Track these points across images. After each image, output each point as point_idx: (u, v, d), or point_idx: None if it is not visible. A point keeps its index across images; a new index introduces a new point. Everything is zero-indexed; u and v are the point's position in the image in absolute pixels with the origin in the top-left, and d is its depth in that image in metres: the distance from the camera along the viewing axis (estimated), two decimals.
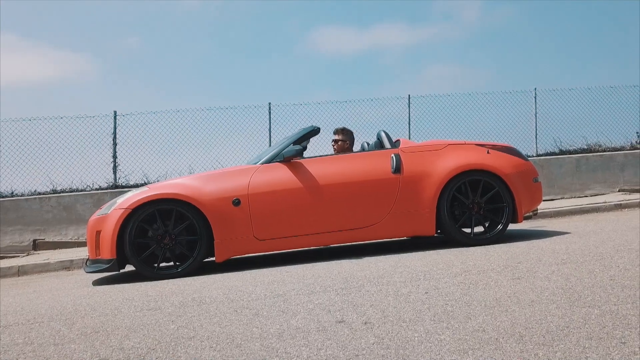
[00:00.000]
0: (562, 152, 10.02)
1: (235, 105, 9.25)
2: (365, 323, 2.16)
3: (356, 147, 5.31)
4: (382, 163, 4.48)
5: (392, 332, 1.99)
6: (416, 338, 1.90)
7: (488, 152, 4.63)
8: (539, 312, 2.11)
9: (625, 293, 2.31)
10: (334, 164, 4.50)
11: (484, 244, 4.42)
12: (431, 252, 4.27)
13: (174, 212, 4.09)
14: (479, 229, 4.60)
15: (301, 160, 4.44)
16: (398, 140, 4.80)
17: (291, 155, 4.38)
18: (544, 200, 9.58)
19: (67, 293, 3.78)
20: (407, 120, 9.83)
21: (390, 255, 4.22)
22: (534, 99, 10.09)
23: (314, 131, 4.59)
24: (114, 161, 8.86)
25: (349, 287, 2.97)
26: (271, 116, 9.32)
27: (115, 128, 8.84)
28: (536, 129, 10.05)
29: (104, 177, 8.90)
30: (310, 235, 4.29)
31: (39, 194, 8.56)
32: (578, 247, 3.83)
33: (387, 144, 4.69)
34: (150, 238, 4.11)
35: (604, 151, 10.04)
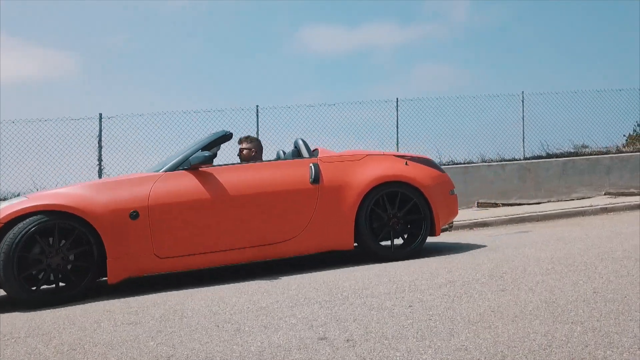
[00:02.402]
0: (549, 156, 10.11)
1: (223, 108, 9.22)
2: (348, 340, 2.13)
3: (272, 155, 5.08)
4: (300, 172, 4.26)
5: (374, 351, 1.96)
6: (398, 357, 1.87)
7: (406, 164, 4.55)
8: (522, 329, 2.09)
9: (608, 308, 2.30)
10: (247, 173, 4.19)
11: (402, 259, 4.31)
12: (417, 260, 4.26)
13: (56, 227, 3.58)
14: (397, 241, 4.52)
15: (210, 169, 4.11)
16: (316, 150, 4.64)
17: (199, 162, 4.03)
18: (531, 204, 9.66)
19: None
20: (395, 122, 9.84)
21: (375, 265, 4.19)
22: (521, 102, 10.16)
23: (226, 136, 4.26)
24: (99, 164, 8.76)
25: (332, 299, 2.94)
26: (259, 119, 9.27)
27: (100, 131, 8.75)
28: (523, 132, 10.14)
29: (89, 180, 8.79)
30: (219, 253, 3.96)
31: None
32: (563, 255, 3.83)
33: (305, 153, 4.49)
34: (34, 258, 3.57)
35: (590, 155, 10.12)
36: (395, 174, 4.40)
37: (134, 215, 3.77)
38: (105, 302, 3.52)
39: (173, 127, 9.16)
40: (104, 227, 3.69)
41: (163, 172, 4.04)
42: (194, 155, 4.07)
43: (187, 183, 3.98)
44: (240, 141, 4.93)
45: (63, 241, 3.67)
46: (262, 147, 4.97)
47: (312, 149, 4.63)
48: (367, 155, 4.52)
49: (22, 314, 3.37)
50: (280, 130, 9.44)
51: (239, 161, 4.84)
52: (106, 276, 3.74)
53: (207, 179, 4.03)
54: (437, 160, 9.95)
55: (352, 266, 4.18)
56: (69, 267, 3.68)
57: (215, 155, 4.30)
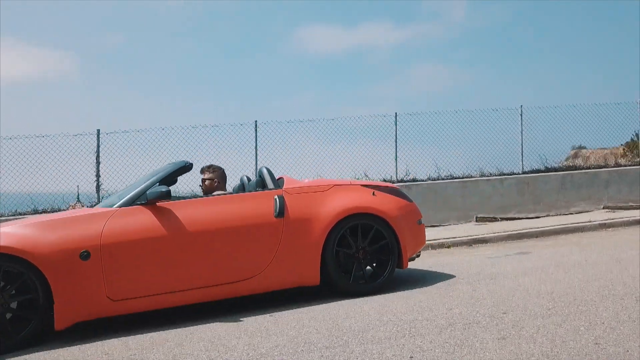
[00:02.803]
0: (547, 169, 10.10)
1: (221, 123, 9.23)
2: None
3: (236, 180, 4.90)
4: (264, 205, 4.09)
5: None
6: None
7: (374, 194, 4.44)
8: None
9: None
10: (208, 208, 4.01)
11: (370, 294, 4.19)
12: (416, 291, 4.23)
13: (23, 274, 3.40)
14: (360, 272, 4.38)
15: (168, 204, 3.89)
16: (281, 178, 4.51)
17: (156, 197, 3.81)
18: (530, 218, 9.66)
19: (44, 340, 3.67)
20: (394, 137, 9.84)
21: (375, 297, 4.16)
22: (519, 116, 10.17)
23: (185, 167, 4.11)
24: (97, 180, 8.74)
25: (333, 344, 2.92)
26: (257, 134, 9.26)
27: (98, 147, 8.72)
28: (522, 146, 10.14)
29: (86, 196, 8.77)
30: (179, 293, 3.77)
31: (20, 214, 8.40)
32: (563, 290, 3.82)
33: (269, 183, 4.32)
34: None
35: (589, 168, 10.13)
36: (362, 205, 4.29)
37: (85, 255, 3.55)
38: (104, 342, 3.49)
39: (171, 143, 9.15)
40: (51, 269, 3.45)
41: (117, 207, 3.84)
42: (150, 190, 3.86)
43: (144, 219, 3.78)
44: (202, 171, 4.73)
45: (5, 285, 3.43)
46: (225, 176, 4.76)
47: (277, 178, 4.49)
48: (333, 185, 4.40)
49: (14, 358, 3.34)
50: (280, 145, 9.45)
51: (202, 191, 4.72)
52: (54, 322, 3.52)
53: (165, 215, 3.83)
54: (435, 175, 9.96)
55: (352, 297, 4.14)
56: (8, 315, 3.43)
57: (175, 181, 4.16)
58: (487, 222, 9.38)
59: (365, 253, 4.28)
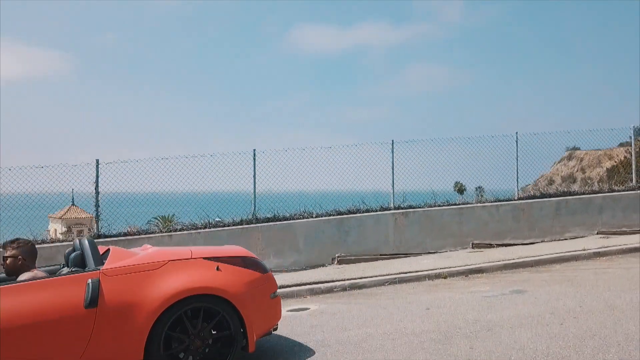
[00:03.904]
0: (542, 195, 10.22)
1: (219, 152, 9.29)
2: None
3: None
4: (74, 293, 3.47)
5: None
6: None
7: (218, 269, 3.92)
8: None
9: None
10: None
11: None
12: (415, 345, 4.30)
13: None
14: None
15: None
16: (107, 251, 3.96)
17: None
18: (525, 244, 9.76)
19: None
20: (391, 164, 9.94)
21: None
22: (515, 142, 10.29)
23: None
24: (97, 210, 8.77)
25: None
26: (256, 162, 9.34)
27: (97, 177, 8.76)
28: (517, 173, 10.25)
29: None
30: None
31: None
32: (558, 350, 3.93)
33: (89, 260, 3.73)
34: None
35: (583, 194, 10.26)
36: (200, 285, 3.74)
37: None
38: None
39: (171, 172, 9.22)
40: None
41: None
42: None
43: None
44: (4, 247, 4.00)
45: None
46: (34, 251, 3.99)
47: (102, 251, 3.97)
48: (168, 261, 3.82)
49: None
50: (278, 171, 9.54)
51: (4, 271, 4.03)
52: None
53: None
54: (431, 201, 10.04)
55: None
56: None
57: None
58: (482, 249, 9.48)
59: (203, 341, 3.75)
